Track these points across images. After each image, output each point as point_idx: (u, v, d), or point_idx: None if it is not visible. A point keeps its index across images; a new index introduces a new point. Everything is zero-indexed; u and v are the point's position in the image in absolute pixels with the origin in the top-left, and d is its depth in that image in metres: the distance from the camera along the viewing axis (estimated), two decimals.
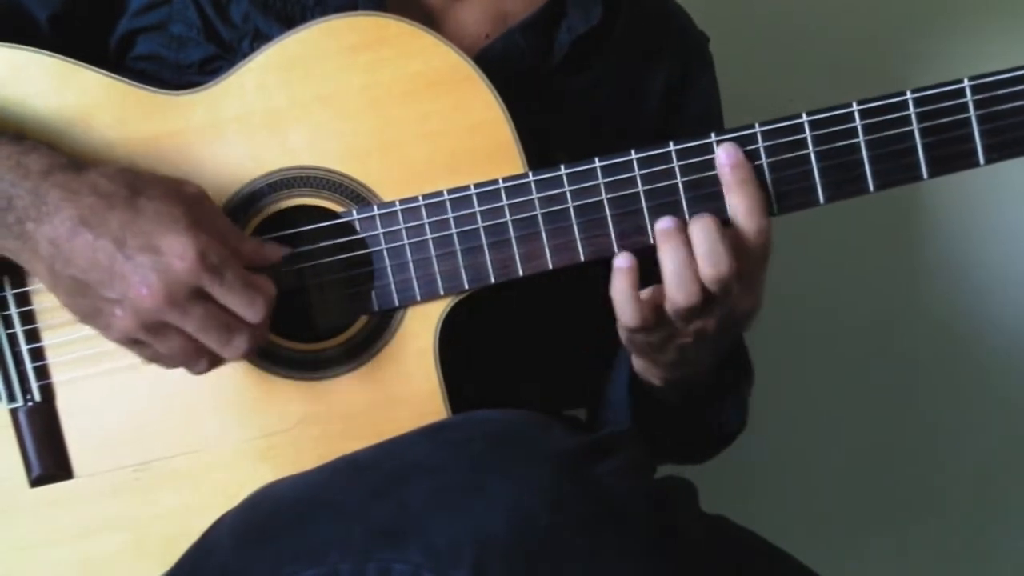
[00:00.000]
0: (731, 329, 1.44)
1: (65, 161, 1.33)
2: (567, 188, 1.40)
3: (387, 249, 1.42)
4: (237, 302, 1.30)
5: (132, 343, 1.33)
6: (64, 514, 1.43)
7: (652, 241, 1.39)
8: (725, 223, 1.37)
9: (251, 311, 1.31)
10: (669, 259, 1.36)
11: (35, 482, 1.42)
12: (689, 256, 1.36)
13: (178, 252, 1.27)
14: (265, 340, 1.37)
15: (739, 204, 1.38)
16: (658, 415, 1.56)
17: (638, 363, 1.51)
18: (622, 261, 1.38)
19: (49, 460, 1.42)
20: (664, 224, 1.37)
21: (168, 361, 1.34)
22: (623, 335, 1.44)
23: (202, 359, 1.34)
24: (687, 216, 1.39)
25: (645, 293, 1.38)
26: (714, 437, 1.66)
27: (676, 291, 1.36)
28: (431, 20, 1.54)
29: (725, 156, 1.38)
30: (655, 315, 1.38)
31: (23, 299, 1.41)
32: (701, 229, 1.36)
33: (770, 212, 1.40)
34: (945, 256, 2.35)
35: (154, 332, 1.30)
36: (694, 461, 1.71)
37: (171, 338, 1.31)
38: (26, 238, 1.30)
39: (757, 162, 1.39)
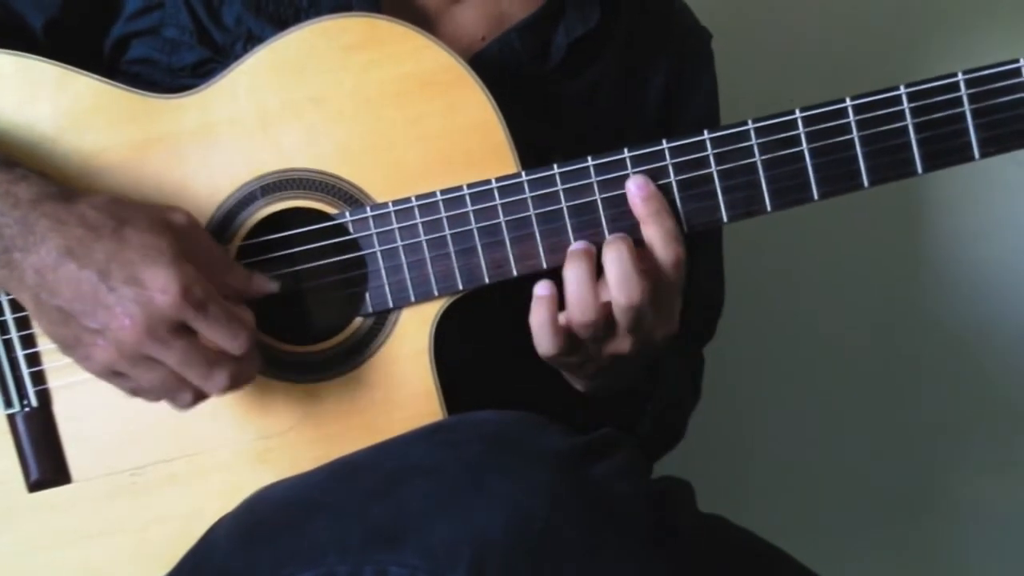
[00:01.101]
0: (648, 353, 1.44)
1: (55, 190, 1.33)
2: (560, 187, 1.40)
3: (381, 250, 1.42)
4: (220, 336, 1.30)
5: (112, 375, 1.33)
6: (63, 518, 1.43)
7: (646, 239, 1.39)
8: (716, 222, 1.38)
9: (235, 344, 1.31)
10: (572, 278, 1.38)
11: (33, 487, 1.43)
12: (591, 279, 1.37)
13: (160, 285, 1.27)
14: (252, 375, 1.36)
15: (654, 235, 1.38)
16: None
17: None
18: (542, 290, 1.39)
19: (47, 465, 1.42)
20: (575, 246, 1.39)
21: (150, 394, 1.34)
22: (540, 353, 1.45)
23: (185, 393, 1.33)
24: (681, 215, 1.39)
25: (562, 317, 1.39)
26: (645, 442, 1.64)
27: (576, 310, 1.38)
28: (428, 22, 1.54)
29: (636, 188, 1.39)
30: (569, 342, 1.40)
31: (19, 305, 1.40)
32: (615, 257, 1.37)
33: (764, 209, 1.40)
34: (945, 255, 2.35)
35: (134, 364, 1.30)
36: None
37: (152, 371, 1.31)
38: (13, 267, 1.30)
39: (751, 159, 1.39)
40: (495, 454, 1.25)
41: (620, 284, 1.36)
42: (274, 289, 1.39)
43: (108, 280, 1.27)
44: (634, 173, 1.39)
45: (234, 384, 1.33)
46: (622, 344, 1.41)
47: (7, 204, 1.31)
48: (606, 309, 1.37)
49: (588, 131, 1.58)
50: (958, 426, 2.39)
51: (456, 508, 1.20)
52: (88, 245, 1.28)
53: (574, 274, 1.38)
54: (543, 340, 1.40)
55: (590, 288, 1.37)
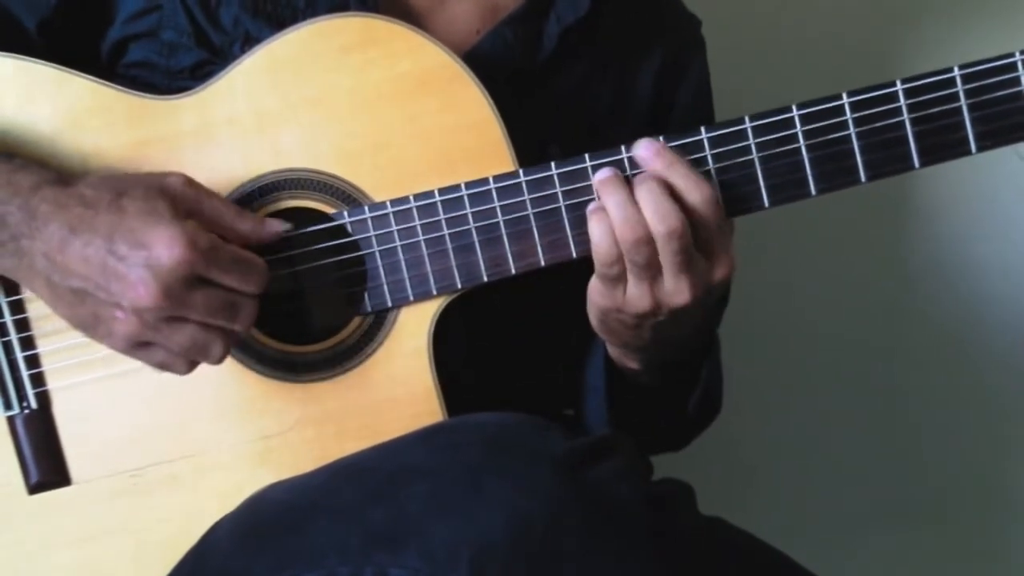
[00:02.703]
0: (706, 300, 1.42)
1: (54, 176, 1.33)
2: (558, 187, 1.40)
3: (379, 250, 1.42)
4: (234, 278, 1.31)
5: (138, 347, 1.33)
6: (63, 520, 1.43)
7: None
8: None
9: (250, 282, 1.32)
10: (612, 203, 1.36)
11: (33, 489, 1.43)
12: (629, 197, 1.36)
13: (165, 243, 1.27)
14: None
15: (680, 182, 1.37)
16: (634, 400, 1.56)
17: (613, 351, 1.51)
18: (604, 172, 1.38)
19: (47, 467, 1.43)
20: (604, 175, 1.38)
21: (180, 359, 1.34)
22: (596, 314, 1.43)
23: (215, 343, 1.33)
24: None
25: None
26: (689, 421, 1.64)
27: (623, 228, 1.35)
28: (422, 18, 1.54)
29: (644, 150, 1.38)
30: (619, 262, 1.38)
31: (17, 307, 1.42)
32: (647, 189, 1.36)
33: (762, 206, 1.40)
34: (945, 255, 2.34)
35: (159, 329, 1.30)
36: (670, 448, 1.70)
37: (180, 331, 1.31)
38: (21, 255, 1.31)
39: (748, 156, 1.39)
40: (495, 456, 1.25)
41: (656, 213, 1.35)
42: (287, 228, 1.40)
43: (114, 251, 1.28)
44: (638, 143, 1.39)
45: (255, 316, 1.34)
46: (680, 287, 1.38)
47: (9, 193, 1.32)
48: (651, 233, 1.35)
49: (582, 122, 1.58)
50: (958, 426, 2.38)
51: (456, 510, 1.20)
52: (89, 221, 1.29)
53: (614, 199, 1.36)
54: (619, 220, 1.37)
55: (633, 207, 1.35)
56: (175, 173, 1.36)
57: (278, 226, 1.39)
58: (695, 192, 1.37)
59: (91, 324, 1.32)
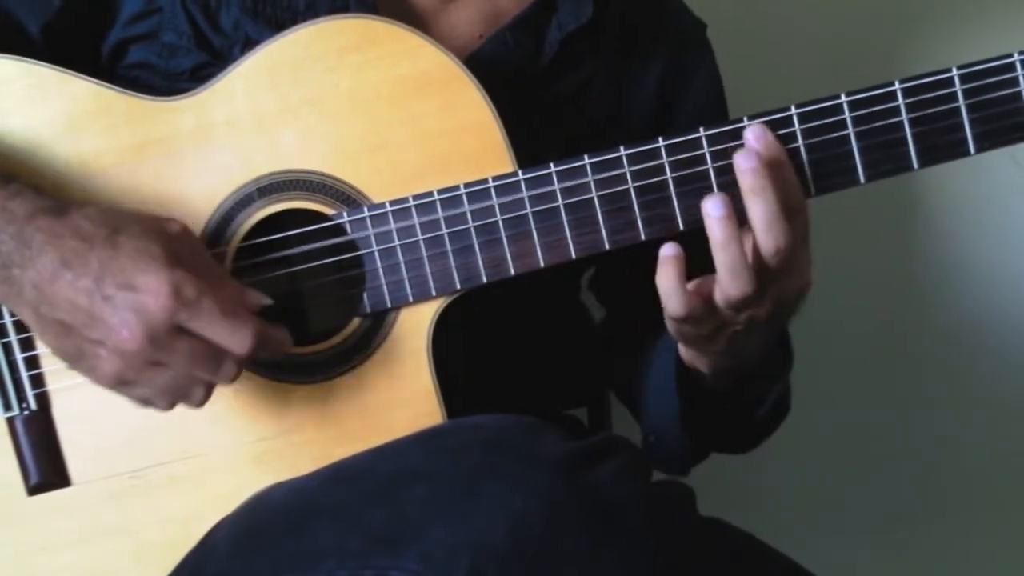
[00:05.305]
0: (782, 314, 1.41)
1: (49, 204, 1.32)
2: (557, 186, 1.40)
3: (378, 251, 1.42)
4: (219, 333, 1.29)
5: (121, 384, 1.32)
6: (63, 521, 1.43)
7: (643, 237, 1.39)
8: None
9: (235, 341, 1.30)
10: (723, 251, 1.32)
11: (33, 490, 1.43)
12: (741, 249, 1.31)
13: (152, 289, 1.26)
14: (281, 349, 1.36)
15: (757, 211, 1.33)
16: (704, 403, 1.54)
17: (685, 352, 1.48)
18: (668, 250, 1.34)
19: (47, 468, 1.43)
20: (717, 212, 1.32)
21: (162, 399, 1.33)
22: (670, 326, 1.40)
23: (197, 389, 1.33)
24: (677, 213, 1.39)
25: (692, 284, 1.34)
26: (760, 424, 1.63)
27: (730, 283, 1.32)
28: (424, 22, 1.54)
29: (754, 140, 1.35)
30: (703, 305, 1.35)
31: None
32: (762, 203, 1.32)
33: None
34: (946, 255, 2.34)
35: (141, 371, 1.30)
36: (738, 450, 1.69)
37: (161, 374, 1.30)
38: (11, 283, 1.30)
39: None
40: (494, 459, 1.25)
41: (768, 227, 1.31)
42: (267, 302, 1.37)
43: (103, 289, 1.27)
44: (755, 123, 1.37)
45: (238, 373, 1.33)
46: (759, 308, 1.36)
47: (3, 220, 1.31)
48: (758, 278, 1.32)
49: (584, 127, 1.58)
50: (959, 426, 2.38)
51: (455, 513, 1.20)
52: (83, 255, 1.28)
53: (727, 246, 1.31)
54: (672, 301, 1.34)
55: (743, 259, 1.32)
56: (174, 220, 1.35)
57: (259, 298, 1.36)
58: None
59: (75, 357, 1.32)
